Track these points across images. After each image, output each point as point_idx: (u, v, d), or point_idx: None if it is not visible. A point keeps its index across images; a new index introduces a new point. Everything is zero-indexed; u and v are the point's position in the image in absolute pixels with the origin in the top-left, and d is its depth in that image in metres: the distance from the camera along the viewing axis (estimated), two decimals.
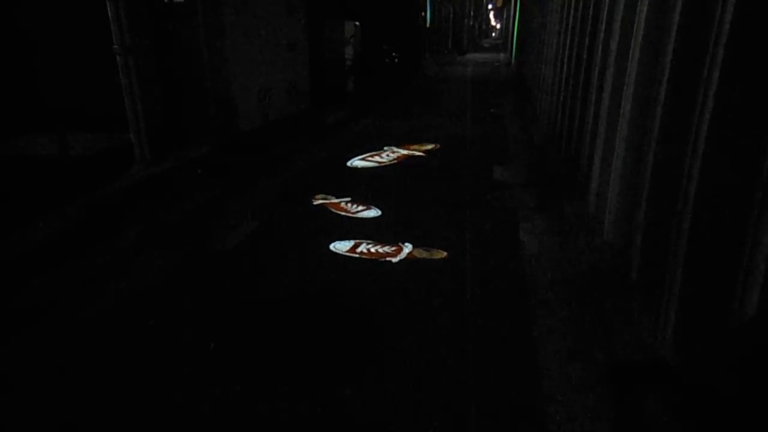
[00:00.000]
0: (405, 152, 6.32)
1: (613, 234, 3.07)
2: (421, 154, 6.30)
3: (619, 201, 2.96)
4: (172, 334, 2.64)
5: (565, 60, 5.35)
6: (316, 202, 4.53)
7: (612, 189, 3.11)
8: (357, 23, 9.78)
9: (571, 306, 2.76)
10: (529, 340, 2.50)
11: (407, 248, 3.54)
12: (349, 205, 4.41)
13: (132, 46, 4.74)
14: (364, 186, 5.00)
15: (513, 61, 17.05)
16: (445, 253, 3.47)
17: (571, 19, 5.11)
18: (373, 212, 4.26)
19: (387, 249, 3.54)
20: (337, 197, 4.64)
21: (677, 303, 2.09)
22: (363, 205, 4.40)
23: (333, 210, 4.33)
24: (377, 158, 6.05)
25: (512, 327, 2.63)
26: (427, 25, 18.12)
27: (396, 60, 12.95)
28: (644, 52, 2.69)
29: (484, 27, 44.03)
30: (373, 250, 3.53)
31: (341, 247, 3.59)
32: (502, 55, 24.29)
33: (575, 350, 2.40)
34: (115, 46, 4.71)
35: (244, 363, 2.41)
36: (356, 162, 5.89)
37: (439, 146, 6.62)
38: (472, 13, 32.49)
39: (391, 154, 6.21)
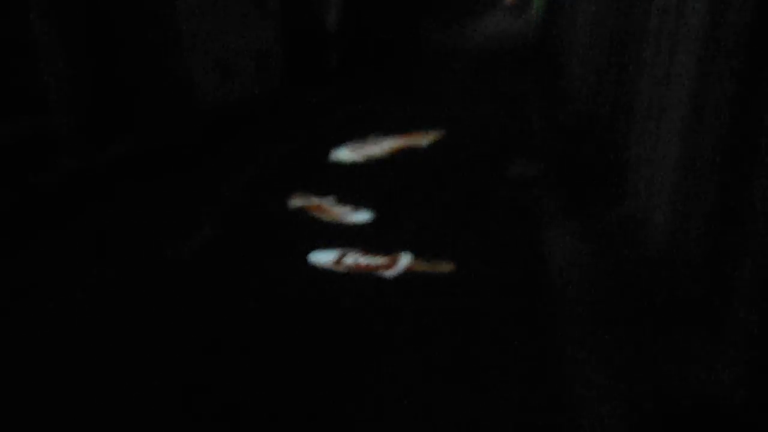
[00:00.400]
0: (402, 142, 6.29)
1: (660, 243, 3.03)
2: (422, 144, 6.27)
3: (669, 202, 2.93)
4: (101, 366, 2.58)
5: (603, 22, 5.33)
6: (292, 203, 4.48)
7: (660, 186, 3.08)
8: None
9: (608, 333, 2.73)
10: (556, 376, 2.46)
11: (405, 259, 3.50)
12: (333, 206, 4.37)
13: (53, 6, 4.67)
14: (352, 183, 4.96)
15: (536, 25, 17.10)
16: (451, 265, 3.44)
17: None
18: (363, 215, 4.23)
19: (380, 260, 3.50)
20: (318, 197, 4.60)
21: (745, 330, 2.04)
22: (350, 207, 4.36)
23: (313, 213, 4.29)
24: (368, 150, 6.02)
25: (536, 360, 2.59)
26: None
27: (390, 26, 12.95)
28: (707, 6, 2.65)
29: None
30: (362, 262, 3.49)
31: (323, 258, 3.54)
32: (523, 19, 24.39)
33: (613, 389, 2.36)
34: (32, 11, 4.64)
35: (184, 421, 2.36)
36: (342, 154, 5.86)
37: (443, 134, 6.61)
38: None
39: (385, 145, 6.18)
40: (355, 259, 3.53)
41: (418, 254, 3.58)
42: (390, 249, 3.66)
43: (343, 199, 4.53)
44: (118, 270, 3.50)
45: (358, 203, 4.44)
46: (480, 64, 12.54)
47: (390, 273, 3.36)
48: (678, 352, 2.45)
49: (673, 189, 2.92)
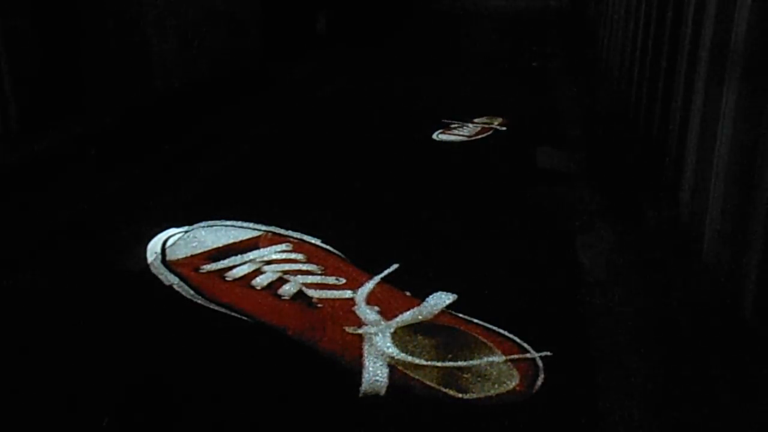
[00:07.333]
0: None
1: (716, 252, 3.02)
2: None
3: (727, 202, 2.92)
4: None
5: None
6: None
7: (716, 184, 3.06)
8: None
9: (655, 366, 2.74)
10: (592, 422, 2.46)
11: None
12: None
13: None
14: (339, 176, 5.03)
15: None
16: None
17: None
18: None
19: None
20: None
21: None
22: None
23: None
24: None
25: (569, 399, 2.59)
26: None
27: None
28: None
29: None
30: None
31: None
32: None
33: None
34: None
35: None
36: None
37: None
38: None
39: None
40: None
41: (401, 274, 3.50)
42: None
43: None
44: (55, 283, 3.50)
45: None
46: (497, 34, 12.58)
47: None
48: (741, 388, 2.44)
49: (729, 189, 2.92)
